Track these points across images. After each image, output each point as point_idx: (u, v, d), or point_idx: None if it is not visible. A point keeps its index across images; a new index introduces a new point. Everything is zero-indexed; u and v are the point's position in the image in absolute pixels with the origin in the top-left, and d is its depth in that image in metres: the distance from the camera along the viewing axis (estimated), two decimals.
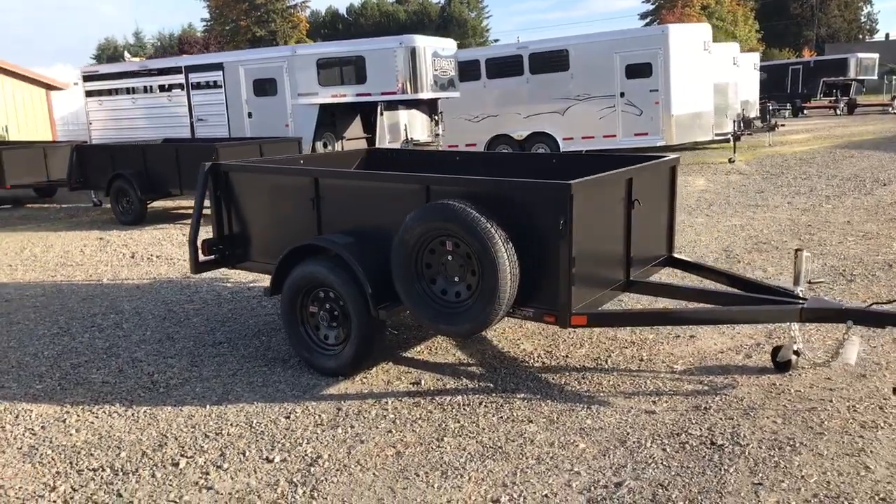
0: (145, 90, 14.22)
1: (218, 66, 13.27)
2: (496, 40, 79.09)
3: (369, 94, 12.33)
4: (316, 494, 3.08)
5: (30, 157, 12.45)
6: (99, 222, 10.96)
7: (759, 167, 14.24)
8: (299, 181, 4.56)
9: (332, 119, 13.25)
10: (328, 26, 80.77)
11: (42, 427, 3.81)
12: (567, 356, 4.55)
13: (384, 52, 12.10)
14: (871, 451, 3.26)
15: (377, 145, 14.29)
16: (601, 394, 3.99)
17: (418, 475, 3.20)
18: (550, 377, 4.24)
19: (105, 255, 8.44)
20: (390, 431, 3.63)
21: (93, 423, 3.84)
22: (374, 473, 3.24)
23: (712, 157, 16.31)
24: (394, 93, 12.13)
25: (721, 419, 3.63)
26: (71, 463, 3.42)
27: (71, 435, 3.71)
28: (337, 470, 3.27)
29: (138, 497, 3.09)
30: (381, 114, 13.76)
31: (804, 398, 3.83)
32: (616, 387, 4.08)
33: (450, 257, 3.78)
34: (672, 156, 4.80)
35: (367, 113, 13.99)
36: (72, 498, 3.10)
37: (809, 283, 4.48)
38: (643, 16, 65.73)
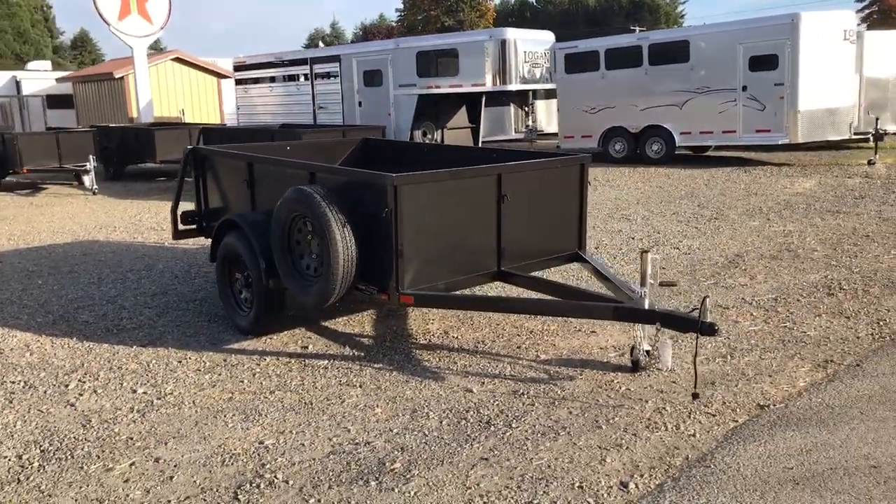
0: (280, 79, 15.85)
1: (336, 59, 14.48)
2: None
3: (460, 86, 12.86)
4: (140, 419, 3.80)
5: (177, 136, 14.45)
6: None
7: None
8: (240, 165, 5.30)
9: (434, 109, 13.94)
10: (516, 14, 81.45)
11: (10, 350, 4.91)
12: (458, 337, 4.89)
13: (475, 45, 12.55)
14: (624, 447, 3.36)
15: (480, 135, 14.83)
16: (446, 371, 4.32)
17: (226, 416, 3.81)
18: (419, 353, 4.62)
19: None
20: (242, 381, 4.27)
21: (46, 349, 4.88)
22: (196, 411, 3.89)
23: (851, 159, 14.87)
24: (482, 84, 12.54)
25: (520, 404, 3.85)
26: (3, 376, 4.44)
27: (23, 357, 4.76)
28: (173, 404, 3.97)
29: (19, 403, 4.00)
30: (485, 105, 14.27)
31: (624, 396, 3.91)
32: (466, 367, 4.38)
33: (309, 236, 4.32)
34: (579, 155, 4.92)
35: (473, 103, 14.56)
36: None
37: (661, 284, 4.40)
38: None
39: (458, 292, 4.25)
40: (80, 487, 3.14)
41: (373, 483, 3.12)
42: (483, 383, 4.15)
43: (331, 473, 3.21)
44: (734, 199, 10.33)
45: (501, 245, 4.54)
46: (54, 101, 22.62)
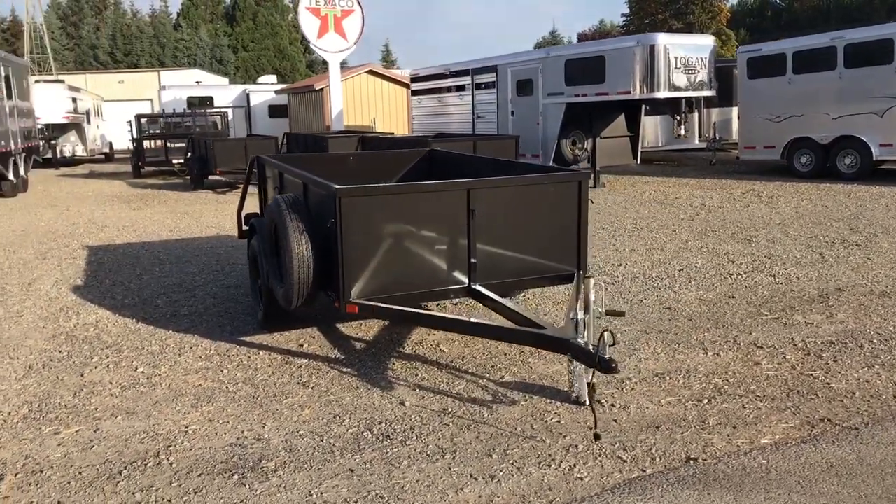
0: (446, 90, 16.45)
1: (493, 69, 14.71)
2: None
3: (606, 94, 12.42)
4: (119, 394, 4.34)
5: (345, 142, 15.64)
6: None
7: None
8: (276, 173, 5.74)
9: (587, 117, 13.62)
10: (755, 14, 75.48)
11: (81, 325, 5.81)
12: (444, 351, 4.88)
13: (622, 52, 12.05)
14: (495, 480, 3.20)
15: (640, 144, 14.22)
16: (400, 382, 4.37)
17: (181, 400, 4.22)
18: (394, 362, 4.70)
19: None
20: (223, 370, 4.67)
21: (106, 327, 5.70)
22: (164, 392, 4.35)
23: None
24: (628, 92, 12.01)
25: (435, 423, 3.79)
26: (57, 347, 5.28)
27: (86, 331, 5.61)
28: (152, 385, 4.48)
29: (47, 370, 4.75)
30: (645, 112, 13.65)
31: (547, 428, 3.69)
32: (424, 380, 4.39)
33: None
34: (576, 171, 4.67)
35: (632, 111, 13.98)
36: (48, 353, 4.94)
37: (607, 313, 3.94)
38: None
39: (402, 307, 4.25)
40: (24, 444, 3.71)
41: (235, 477, 3.31)
42: (423, 398, 4.14)
43: (210, 463, 3.46)
44: None
45: (473, 261, 4.46)
46: (274, 111, 25.55)
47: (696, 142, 18.01)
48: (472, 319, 4.30)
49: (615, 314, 4.11)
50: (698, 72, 12.17)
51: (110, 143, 29.71)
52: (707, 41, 12.55)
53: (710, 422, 3.75)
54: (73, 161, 25.81)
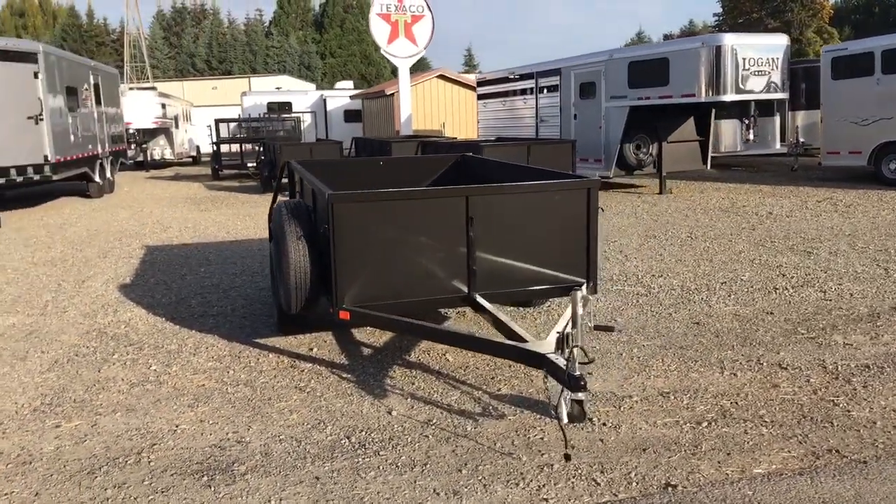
0: (510, 94, 16.30)
1: (556, 72, 14.47)
2: None
3: (670, 97, 11.97)
4: (127, 390, 4.48)
5: (407, 146, 15.76)
6: None
7: None
8: (298, 178, 5.81)
9: (652, 121, 13.19)
10: (860, 11, 71.28)
11: (115, 322, 6.05)
12: (450, 360, 4.79)
13: (687, 53, 11.59)
14: (457, 496, 3.10)
15: (710, 149, 13.69)
16: (395, 391, 4.32)
17: (180, 400, 4.32)
18: (395, 370, 4.66)
19: None
20: (228, 372, 4.75)
21: (137, 325, 5.92)
22: (167, 391, 4.46)
23: None
24: (692, 95, 11.54)
25: (414, 434, 3.72)
26: (86, 343, 5.52)
27: (117, 329, 5.84)
28: (158, 383, 4.60)
29: (70, 366, 4.97)
30: (714, 116, 13.12)
31: (527, 445, 3.56)
32: (419, 389, 4.32)
33: None
34: (585, 179, 4.50)
35: (702, 115, 13.45)
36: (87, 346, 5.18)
37: (595, 327, 3.70)
38: None
39: (393, 316, 4.19)
40: (26, 435, 3.88)
41: (204, 479, 3.35)
42: (412, 407, 4.08)
43: (186, 463, 3.51)
44: None
45: (473, 270, 4.36)
46: (349, 116, 26.07)
47: (778, 146, 17.14)
48: (453, 329, 4.21)
49: (604, 329, 3.92)
50: (769, 73, 11.55)
51: (197, 147, 31.04)
52: (780, 41, 11.89)
53: (704, 446, 3.51)
54: (162, 164, 27.15)
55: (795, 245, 8.27)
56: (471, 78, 22.92)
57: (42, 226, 12.06)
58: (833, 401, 4.00)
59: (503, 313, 4.15)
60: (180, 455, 3.60)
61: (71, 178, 15.39)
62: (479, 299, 4.33)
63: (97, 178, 16.51)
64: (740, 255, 7.87)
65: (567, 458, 3.23)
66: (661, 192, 13.46)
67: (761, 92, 11.65)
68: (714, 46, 11.22)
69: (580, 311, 3.59)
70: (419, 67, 33.51)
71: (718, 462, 3.36)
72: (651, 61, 12.21)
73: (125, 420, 4.05)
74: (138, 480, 3.36)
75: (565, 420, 3.40)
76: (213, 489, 3.26)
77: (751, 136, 12.76)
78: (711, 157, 16.10)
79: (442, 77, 22.34)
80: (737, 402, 4.01)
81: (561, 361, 3.30)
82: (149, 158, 26.17)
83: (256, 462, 3.50)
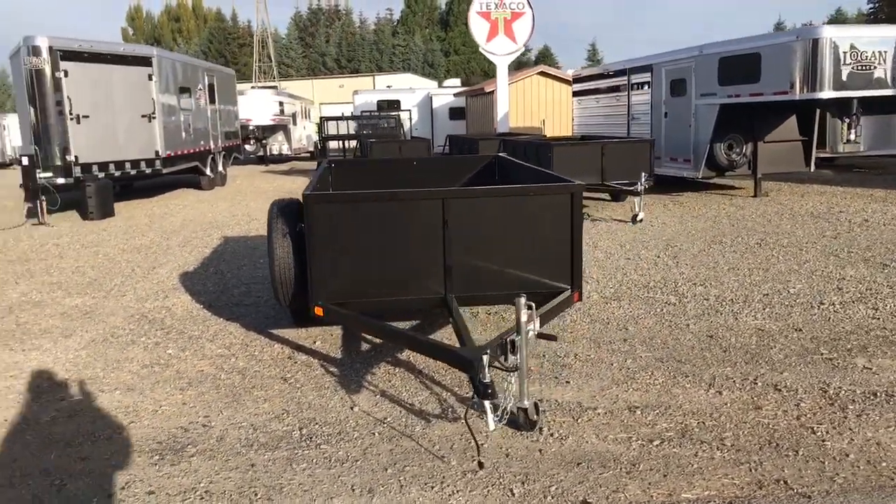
0: (604, 91, 15.89)
1: (648, 68, 13.96)
2: None
3: (761, 94, 11.24)
4: (138, 370, 4.88)
5: (492, 144, 15.75)
6: None
7: None
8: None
9: (747, 120, 12.45)
10: None
11: (159, 307, 6.54)
12: (434, 363, 4.84)
13: (780, 48, 10.83)
14: (371, 493, 3.18)
15: (814, 149, 12.81)
16: (370, 386, 4.43)
17: (175, 383, 4.64)
18: (382, 366, 4.76)
19: None
20: (230, 359, 5.04)
21: (176, 312, 6.37)
22: (170, 374, 4.81)
23: None
24: (785, 92, 10.78)
25: (363, 431, 3.82)
26: (124, 325, 6.01)
27: (158, 314, 6.32)
28: (166, 366, 4.96)
29: (102, 346, 5.44)
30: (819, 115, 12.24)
31: (465, 450, 3.55)
32: (394, 387, 4.41)
33: None
34: (566, 183, 4.39)
35: (805, 113, 12.56)
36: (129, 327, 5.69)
37: (538, 336, 3.54)
38: None
39: (355, 313, 4.28)
40: (30, 406, 4.33)
41: (155, 458, 3.61)
42: (375, 404, 4.17)
43: (148, 442, 3.79)
44: None
45: (449, 272, 4.38)
46: (454, 113, 26.34)
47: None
48: (399, 330, 4.28)
49: (547, 338, 3.82)
50: (875, 68, 10.58)
51: (315, 143, 32.49)
52: (889, 32, 10.85)
53: (642, 466, 3.37)
54: (280, 159, 28.66)
55: (873, 257, 7.58)
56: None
57: (147, 215, 13.14)
58: (812, 428, 3.69)
59: (462, 319, 4.14)
60: (148, 434, 3.89)
61: (183, 172, 16.64)
62: (453, 301, 4.35)
63: (208, 172, 17.71)
64: (803, 265, 7.32)
65: (480, 465, 3.21)
66: (755, 195, 12.68)
67: (868, 87, 10.70)
68: (811, 40, 10.42)
69: (523, 317, 3.54)
70: (521, 64, 33.24)
71: (649, 483, 3.22)
72: (741, 56, 11.52)
73: (119, 398, 4.41)
74: (101, 456, 3.67)
75: (492, 427, 3.37)
76: (157, 467, 3.51)
77: (852, 137, 11.73)
78: (821, 157, 14.99)
79: (543, 74, 22.09)
80: (704, 423, 3.80)
81: (485, 367, 3.27)
82: (268, 153, 27.71)
83: (208, 445, 3.72)
